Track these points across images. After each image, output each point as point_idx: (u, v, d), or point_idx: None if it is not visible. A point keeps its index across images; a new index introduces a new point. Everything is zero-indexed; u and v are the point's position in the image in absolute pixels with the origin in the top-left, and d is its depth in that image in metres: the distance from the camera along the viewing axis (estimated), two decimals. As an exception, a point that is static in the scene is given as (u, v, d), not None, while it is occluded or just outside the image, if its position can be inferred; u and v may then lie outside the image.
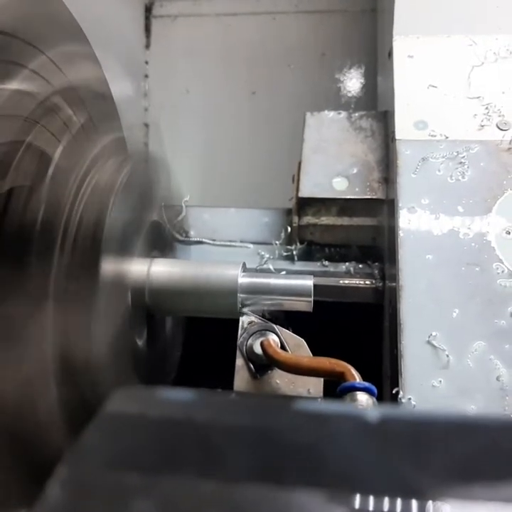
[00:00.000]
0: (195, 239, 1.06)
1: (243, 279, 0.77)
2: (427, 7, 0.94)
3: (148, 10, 1.59)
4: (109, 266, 0.65)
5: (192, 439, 0.33)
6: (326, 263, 1.01)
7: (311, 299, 0.77)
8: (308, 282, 0.77)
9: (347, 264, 1.01)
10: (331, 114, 1.07)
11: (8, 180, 0.59)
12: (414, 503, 0.27)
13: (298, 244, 1.04)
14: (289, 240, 1.05)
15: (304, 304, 0.77)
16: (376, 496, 0.27)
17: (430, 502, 0.27)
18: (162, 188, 0.89)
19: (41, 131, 0.63)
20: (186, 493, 0.29)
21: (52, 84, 0.65)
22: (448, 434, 0.33)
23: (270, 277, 0.78)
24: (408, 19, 0.95)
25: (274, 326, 0.76)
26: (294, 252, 1.03)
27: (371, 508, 0.27)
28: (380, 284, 0.98)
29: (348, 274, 1.00)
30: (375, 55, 1.46)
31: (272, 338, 0.74)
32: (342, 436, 0.33)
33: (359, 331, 1.00)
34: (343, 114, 1.07)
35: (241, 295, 0.77)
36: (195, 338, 1.00)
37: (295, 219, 1.02)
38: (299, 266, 1.02)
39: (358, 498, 0.28)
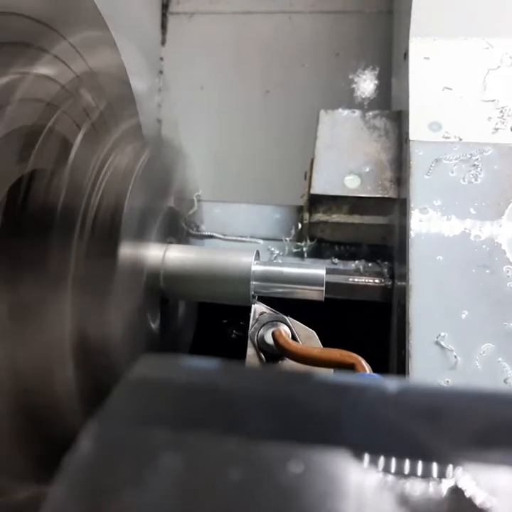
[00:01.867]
0: (206, 233, 1.07)
1: (256, 267, 0.78)
2: (444, 9, 0.94)
3: (164, 7, 1.60)
4: (126, 250, 0.66)
5: (215, 401, 0.34)
6: (336, 261, 1.02)
7: (323, 288, 0.77)
8: (321, 271, 0.78)
9: (356, 262, 1.02)
10: (345, 112, 1.07)
11: (30, 163, 0.60)
12: (433, 466, 0.28)
13: (308, 241, 1.04)
14: (300, 237, 1.06)
15: (316, 293, 0.78)
16: (395, 457, 0.28)
17: (450, 465, 0.28)
18: (178, 175, 0.90)
19: (62, 116, 0.64)
20: (212, 448, 0.30)
21: (73, 70, 0.66)
22: (464, 403, 0.34)
23: (283, 266, 0.79)
24: (425, 21, 0.95)
25: (285, 317, 0.77)
26: (304, 249, 1.04)
27: (390, 468, 0.28)
28: (389, 283, 0.98)
29: (357, 272, 1.01)
30: (389, 57, 1.46)
31: (283, 328, 0.75)
32: (362, 404, 0.34)
33: (367, 329, 1.01)
34: (357, 112, 1.07)
35: (254, 283, 0.78)
36: (204, 326, 1.01)
37: (306, 216, 1.03)
38: (308, 263, 1.03)
39: (378, 459, 0.29)
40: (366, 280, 1.00)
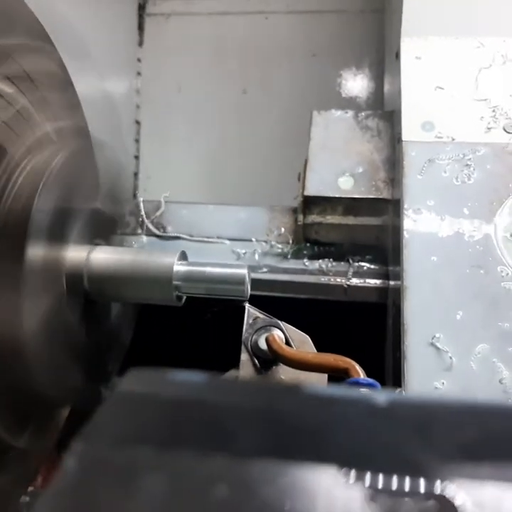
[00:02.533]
0: (173, 234, 1.08)
1: (179, 267, 0.80)
2: (436, 9, 0.94)
3: (141, 8, 1.60)
4: (36, 251, 0.67)
5: (202, 418, 0.34)
6: (306, 262, 1.02)
7: (244, 287, 0.78)
8: (242, 271, 0.79)
9: (351, 263, 1.01)
10: (338, 112, 1.07)
11: None
12: (421, 481, 0.28)
13: (296, 242, 1.05)
14: (290, 238, 1.06)
15: (239, 291, 0.79)
16: (383, 473, 0.28)
17: (437, 481, 0.28)
18: (109, 177, 0.91)
19: None
20: (196, 467, 0.30)
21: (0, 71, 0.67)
22: (454, 416, 0.34)
23: (206, 266, 0.81)
24: (416, 20, 0.95)
25: (279, 321, 0.77)
26: (287, 250, 1.04)
27: (378, 484, 0.28)
28: (384, 284, 0.98)
29: (352, 273, 1.01)
30: (375, 56, 1.47)
31: (277, 333, 0.75)
32: (350, 418, 0.34)
33: (362, 330, 1.01)
34: (350, 113, 1.07)
35: (176, 282, 0.79)
36: (194, 332, 1.01)
37: (300, 217, 1.02)
38: (292, 264, 1.03)
39: (365, 474, 0.28)
40: (361, 281, 1.00)
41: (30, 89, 0.72)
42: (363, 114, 1.07)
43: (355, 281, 1.00)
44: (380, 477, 0.28)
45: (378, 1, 1.47)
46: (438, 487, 0.27)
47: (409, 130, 0.87)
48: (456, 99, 0.89)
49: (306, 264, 1.03)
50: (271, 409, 0.35)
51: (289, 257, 1.04)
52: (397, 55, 0.96)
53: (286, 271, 1.03)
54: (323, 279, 1.01)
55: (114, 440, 0.32)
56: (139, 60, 1.57)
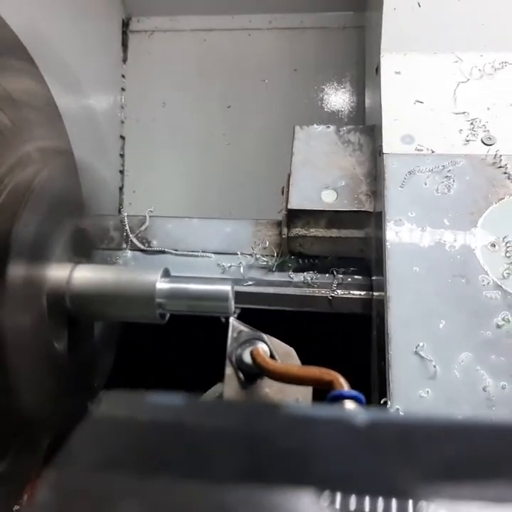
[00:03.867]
0: (158, 248, 1.08)
1: (162, 285, 0.79)
2: (414, 25, 0.96)
3: (125, 25, 1.62)
4: (18, 270, 0.66)
5: (179, 441, 0.34)
6: (292, 274, 1.03)
7: (228, 303, 0.78)
8: (226, 287, 0.79)
9: (335, 274, 1.02)
10: (320, 127, 1.08)
11: None
12: (400, 503, 0.28)
13: (281, 255, 1.05)
14: (275, 251, 1.06)
15: (223, 308, 0.79)
16: (362, 495, 0.28)
17: (417, 502, 0.28)
18: (91, 195, 0.91)
19: None
20: (173, 494, 0.29)
21: None
22: (435, 436, 0.34)
23: (189, 283, 0.80)
24: (396, 36, 0.97)
25: (264, 334, 0.77)
26: (271, 263, 1.04)
27: (356, 507, 0.28)
28: (368, 295, 0.99)
29: (336, 285, 1.01)
30: (354, 71, 1.50)
31: (262, 346, 0.75)
32: (329, 439, 0.33)
33: (347, 341, 1.01)
34: (332, 128, 1.08)
35: (159, 300, 0.79)
36: (181, 345, 1.01)
37: (284, 230, 1.03)
38: (277, 276, 1.04)
39: (344, 498, 0.28)
40: (345, 293, 1.01)
41: (11, 109, 0.72)
42: (344, 128, 1.09)
43: (339, 292, 1.01)
44: (357, 499, 0.28)
45: (359, 18, 1.50)
46: (417, 508, 0.28)
47: (390, 143, 0.89)
48: (435, 113, 0.91)
49: (291, 276, 1.03)
50: (249, 431, 0.34)
51: (274, 269, 1.05)
52: (377, 70, 0.98)
53: (271, 283, 1.03)
54: (308, 291, 1.02)
55: (88, 467, 0.32)
56: (123, 76, 1.59)
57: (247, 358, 0.75)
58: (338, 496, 0.28)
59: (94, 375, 0.92)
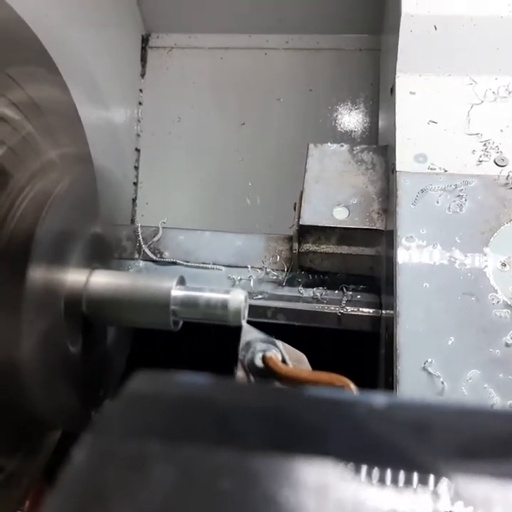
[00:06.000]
0: (169, 259, 1.09)
1: (177, 292, 0.80)
2: (430, 47, 0.98)
3: (144, 41, 1.66)
4: (38, 273, 0.68)
5: (208, 414, 0.35)
6: (301, 289, 1.04)
7: (242, 313, 0.79)
8: (240, 296, 0.79)
9: (345, 291, 1.02)
10: (334, 146, 1.10)
11: None
12: (418, 476, 0.28)
13: (291, 270, 1.06)
14: (285, 266, 1.07)
15: (236, 317, 0.79)
16: (382, 467, 0.29)
17: (438, 476, 0.28)
18: (107, 203, 0.92)
19: None
20: (203, 459, 0.31)
21: (6, 97, 0.68)
22: (450, 417, 0.34)
23: (204, 291, 0.81)
24: (411, 58, 0.99)
25: (275, 340, 0.78)
26: (282, 277, 1.05)
27: (375, 478, 0.28)
28: (377, 313, 0.99)
29: (345, 301, 1.02)
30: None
31: (273, 351, 0.75)
32: (350, 417, 0.34)
33: (355, 358, 1.01)
34: (345, 146, 1.10)
35: (174, 307, 0.79)
36: (193, 348, 1.01)
37: (295, 246, 1.04)
38: (287, 291, 1.04)
39: (363, 468, 0.29)
40: (354, 310, 1.01)
41: (35, 116, 0.74)
42: (358, 147, 1.10)
43: (349, 309, 1.01)
44: (379, 472, 0.29)
45: (374, 41, 1.52)
46: (433, 482, 0.28)
47: (403, 161, 0.90)
48: (449, 133, 0.92)
49: (301, 291, 1.04)
50: (274, 408, 0.36)
51: (283, 284, 1.05)
52: (392, 91, 1.00)
53: (280, 298, 1.04)
54: (318, 307, 1.02)
55: (123, 433, 0.33)
56: (140, 90, 1.62)
57: (258, 362, 0.75)
58: (363, 468, 0.29)
59: (104, 381, 0.93)
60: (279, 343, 0.77)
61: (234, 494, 0.29)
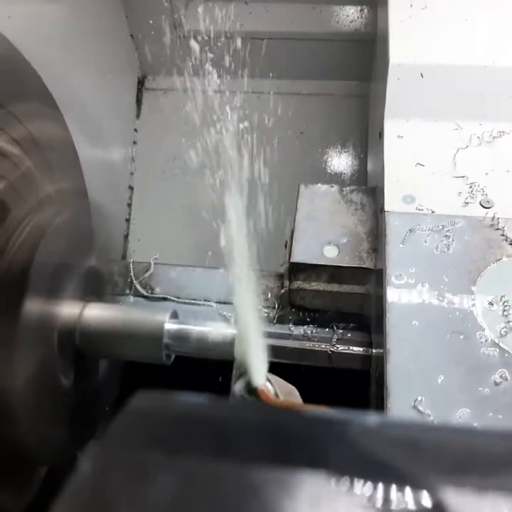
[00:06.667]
0: (160, 295, 1.10)
1: (170, 326, 0.81)
2: (417, 93, 1.02)
3: (140, 82, 1.70)
4: (33, 306, 0.69)
5: (209, 429, 0.36)
6: (292, 327, 1.04)
7: (233, 348, 0.79)
8: (231, 331, 0.81)
9: (335, 329, 1.03)
10: (324, 187, 1.12)
11: None
12: (415, 492, 0.29)
13: (282, 308, 1.07)
14: (276, 303, 1.08)
15: (228, 352, 0.80)
16: (375, 481, 0.29)
17: (432, 491, 0.29)
18: (102, 237, 0.94)
19: None
20: (203, 470, 0.32)
21: (8, 133, 0.70)
22: (441, 436, 0.35)
23: (196, 325, 0.82)
24: (398, 104, 1.02)
25: (267, 373, 0.78)
26: (273, 314, 1.06)
27: (370, 494, 0.29)
28: (367, 352, 1.00)
29: (336, 340, 1.02)
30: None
31: (266, 384, 0.75)
32: (345, 434, 0.35)
33: (345, 396, 1.01)
34: (335, 187, 1.12)
35: (166, 341, 0.80)
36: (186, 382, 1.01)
37: (286, 283, 1.05)
38: (277, 328, 1.05)
39: (358, 483, 0.30)
40: (345, 348, 1.02)
41: (35, 152, 0.76)
42: (347, 188, 1.12)
43: (339, 347, 1.02)
44: (373, 486, 0.30)
45: (363, 87, 1.57)
46: (426, 496, 0.29)
47: (392, 202, 0.92)
48: (436, 176, 0.95)
49: (291, 329, 1.05)
50: (272, 425, 0.37)
51: (274, 321, 1.06)
52: (381, 135, 1.03)
53: (271, 335, 1.04)
54: (308, 345, 1.03)
55: (127, 445, 0.34)
56: (135, 130, 1.65)
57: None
58: (357, 482, 0.29)
59: (95, 414, 0.92)
60: (271, 376, 0.77)
61: (233, 503, 0.30)
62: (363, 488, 0.30)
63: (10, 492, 0.74)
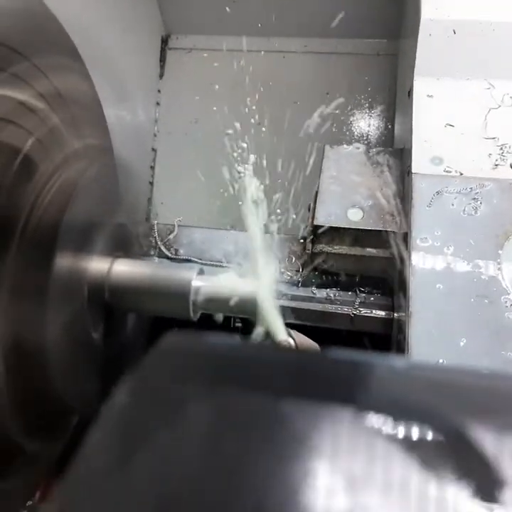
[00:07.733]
0: (184, 257, 1.10)
1: (197, 283, 0.81)
2: (448, 51, 0.98)
3: (164, 42, 1.67)
4: (64, 261, 0.69)
5: (240, 365, 0.38)
6: (315, 290, 1.04)
7: (257, 306, 0.80)
8: (256, 291, 0.80)
9: (358, 293, 1.03)
10: (350, 148, 1.10)
11: None
12: (430, 427, 0.30)
13: (302, 271, 1.07)
14: (299, 266, 1.08)
15: (253, 312, 0.80)
16: (395, 419, 0.30)
17: (461, 432, 0.29)
18: (129, 196, 0.93)
19: (14, 129, 0.65)
20: (236, 403, 0.33)
21: (34, 88, 0.69)
22: (466, 379, 0.36)
23: (223, 283, 0.82)
24: (429, 61, 0.99)
25: (290, 330, 0.79)
26: (296, 278, 1.06)
27: (404, 434, 0.30)
28: (389, 315, 0.99)
29: (358, 303, 1.02)
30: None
31: (288, 340, 0.76)
32: (372, 374, 0.37)
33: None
34: (361, 148, 1.10)
35: (193, 297, 0.81)
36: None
37: (309, 246, 1.04)
38: (300, 291, 1.05)
39: (381, 420, 0.31)
40: (367, 311, 1.02)
41: (61, 107, 0.75)
42: (374, 150, 1.10)
43: (361, 311, 1.01)
44: (399, 422, 0.30)
45: (392, 46, 1.53)
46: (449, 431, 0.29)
47: (419, 163, 0.90)
48: (466, 137, 0.92)
49: (314, 292, 1.04)
50: (300, 363, 0.38)
51: (297, 284, 1.06)
52: (410, 93, 1.00)
53: (294, 298, 1.04)
54: (331, 308, 1.03)
55: (161, 377, 0.35)
56: (159, 90, 1.63)
57: None
58: (380, 419, 0.30)
59: (124, 365, 0.94)
60: (293, 332, 0.78)
61: (263, 435, 0.31)
62: (385, 424, 0.30)
63: (43, 439, 0.77)
